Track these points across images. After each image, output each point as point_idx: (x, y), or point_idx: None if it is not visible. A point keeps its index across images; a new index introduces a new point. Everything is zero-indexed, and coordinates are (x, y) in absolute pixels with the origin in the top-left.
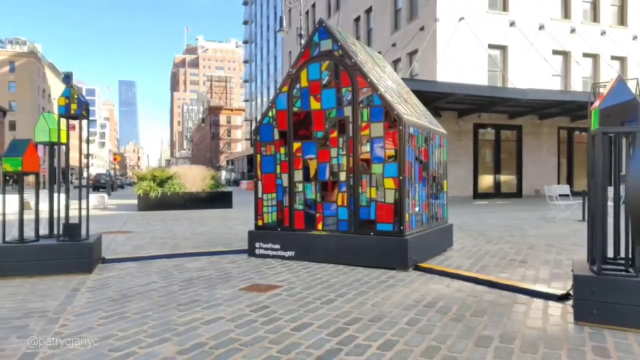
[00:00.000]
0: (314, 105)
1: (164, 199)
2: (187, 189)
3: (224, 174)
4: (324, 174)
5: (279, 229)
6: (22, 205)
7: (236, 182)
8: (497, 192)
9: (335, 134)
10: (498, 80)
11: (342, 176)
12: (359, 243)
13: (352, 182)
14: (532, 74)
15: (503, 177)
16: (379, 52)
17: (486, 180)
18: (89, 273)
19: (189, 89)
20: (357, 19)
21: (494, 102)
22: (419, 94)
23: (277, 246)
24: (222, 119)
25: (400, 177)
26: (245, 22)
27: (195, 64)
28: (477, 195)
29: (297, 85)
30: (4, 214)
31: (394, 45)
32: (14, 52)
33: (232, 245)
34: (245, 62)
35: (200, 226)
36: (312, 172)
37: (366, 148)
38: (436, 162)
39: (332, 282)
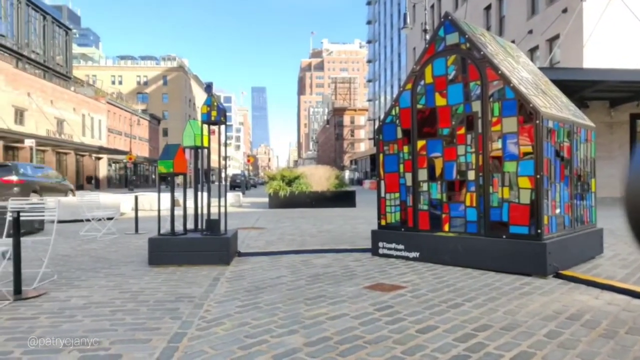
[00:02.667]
0: (440, 101)
1: (292, 198)
2: (313, 188)
3: (347, 174)
4: (451, 173)
5: (402, 229)
6: (173, 203)
7: (359, 182)
8: None
9: (462, 131)
10: None
11: (471, 175)
12: (489, 246)
13: (481, 182)
14: None
15: None
16: (512, 41)
17: None
18: (227, 265)
19: (315, 91)
20: (488, 8)
21: None
22: (561, 84)
23: (401, 246)
24: (346, 119)
25: (537, 176)
26: (369, 22)
27: (320, 67)
28: None
29: (422, 82)
30: (159, 210)
31: (530, 32)
32: (166, 68)
33: (356, 243)
34: (369, 61)
35: (325, 224)
36: (437, 171)
37: (497, 145)
38: (581, 159)
39: (460, 286)
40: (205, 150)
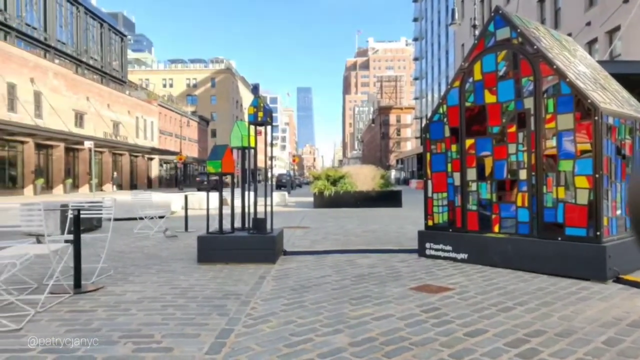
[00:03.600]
0: (489, 98)
1: (336, 197)
2: (357, 188)
3: (393, 173)
4: (502, 172)
5: (450, 230)
6: (221, 202)
7: (406, 181)
8: None
9: (513, 129)
10: None
11: (523, 174)
12: (542, 248)
13: (534, 181)
14: None
15: None
16: (569, 35)
17: None
18: (272, 263)
19: (360, 90)
20: (542, 0)
21: None
22: (622, 78)
23: (449, 247)
24: (392, 118)
25: (596, 175)
26: (415, 19)
27: (365, 66)
28: None
29: (470, 79)
30: (208, 209)
31: (588, 24)
32: (214, 70)
33: (402, 244)
34: (415, 59)
35: (370, 224)
36: (487, 170)
37: (552, 143)
38: None
39: (511, 289)
40: (252, 151)
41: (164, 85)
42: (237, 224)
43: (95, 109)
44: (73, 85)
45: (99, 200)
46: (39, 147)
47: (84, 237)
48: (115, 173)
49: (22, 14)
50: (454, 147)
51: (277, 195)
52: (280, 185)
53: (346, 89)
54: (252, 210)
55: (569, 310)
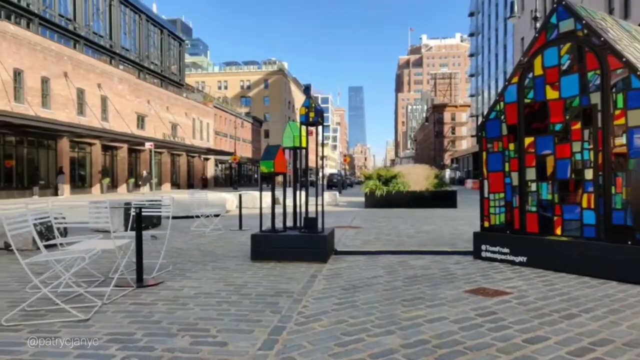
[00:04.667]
0: (551, 94)
1: (388, 197)
2: (410, 188)
3: (447, 173)
4: (565, 172)
5: (507, 232)
6: (274, 201)
7: (461, 181)
8: None
9: (578, 126)
10: None
11: (588, 174)
12: (611, 253)
13: (601, 181)
14: None
15: None
16: None
17: None
18: (324, 263)
19: (413, 89)
20: None
21: None
22: None
23: (506, 250)
24: (446, 116)
25: None
26: (472, 14)
27: (419, 63)
28: None
29: (530, 75)
30: (261, 208)
31: None
32: (267, 72)
33: (456, 245)
34: (471, 55)
35: (423, 225)
36: (548, 170)
37: (621, 140)
38: None
39: (575, 295)
40: (304, 151)
41: (219, 88)
42: (289, 223)
43: (155, 111)
44: (135, 90)
45: (158, 199)
46: (105, 148)
47: (145, 234)
48: (145, 171)
49: (89, 23)
50: (511, 146)
51: (328, 195)
52: (331, 185)
53: (399, 87)
54: (303, 209)
55: (639, 318)
